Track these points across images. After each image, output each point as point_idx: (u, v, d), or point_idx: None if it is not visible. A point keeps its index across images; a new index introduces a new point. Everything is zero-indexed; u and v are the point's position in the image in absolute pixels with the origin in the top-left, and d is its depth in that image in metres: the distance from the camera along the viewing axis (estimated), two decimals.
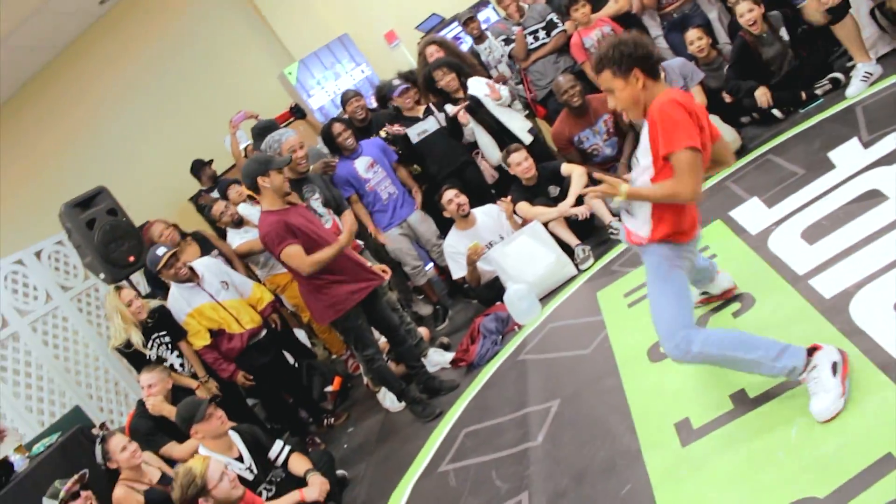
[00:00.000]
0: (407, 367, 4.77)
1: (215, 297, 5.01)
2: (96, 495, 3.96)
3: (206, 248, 5.94)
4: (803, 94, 5.23)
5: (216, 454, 3.89)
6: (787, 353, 2.54)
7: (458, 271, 5.54)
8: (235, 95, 8.63)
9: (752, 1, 5.22)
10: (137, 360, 5.05)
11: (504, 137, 5.83)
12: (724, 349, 2.61)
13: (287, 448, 4.24)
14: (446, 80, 5.80)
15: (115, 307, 5.01)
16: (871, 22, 5.07)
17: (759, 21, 5.22)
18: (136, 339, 4.95)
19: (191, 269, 5.04)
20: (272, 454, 4.19)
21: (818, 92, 5.21)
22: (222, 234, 6.30)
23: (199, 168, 7.74)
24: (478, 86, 5.86)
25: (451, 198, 5.45)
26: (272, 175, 4.20)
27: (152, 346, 5.00)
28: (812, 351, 2.53)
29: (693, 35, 5.63)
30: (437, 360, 5.03)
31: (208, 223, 7.56)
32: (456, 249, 5.50)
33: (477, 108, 5.76)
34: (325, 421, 5.47)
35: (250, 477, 4.01)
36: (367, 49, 9.17)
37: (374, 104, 6.84)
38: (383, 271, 4.69)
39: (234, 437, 4.13)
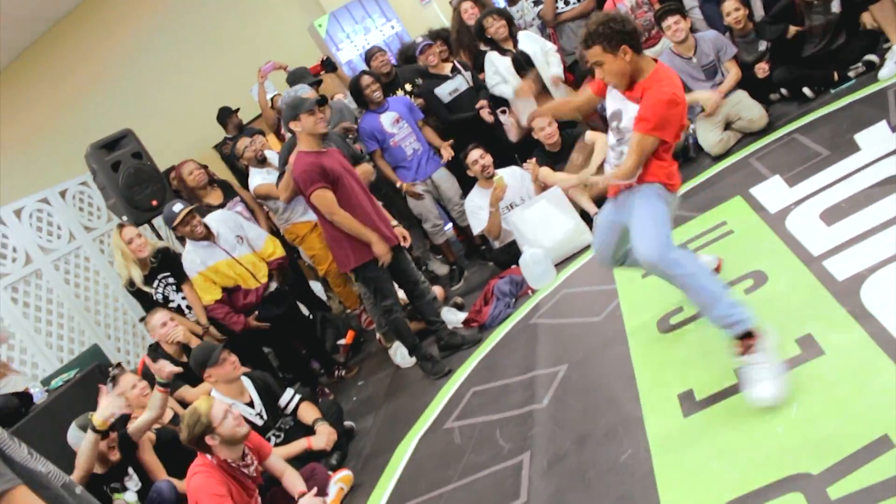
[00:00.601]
0: (426, 322, 4.83)
1: (231, 254, 5.02)
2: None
3: (228, 194, 6.00)
4: (836, 75, 5.16)
5: (228, 398, 4.00)
6: (742, 310, 2.70)
7: (479, 226, 5.55)
8: (264, 45, 8.65)
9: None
10: (144, 299, 5.16)
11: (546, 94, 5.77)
12: (698, 269, 2.79)
13: (297, 396, 4.34)
14: (496, 26, 5.74)
15: (116, 245, 5.14)
16: None
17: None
18: (136, 276, 5.06)
19: (206, 226, 5.02)
20: (282, 402, 4.29)
21: (851, 74, 5.13)
22: (243, 179, 6.35)
23: (225, 116, 7.77)
24: (529, 42, 5.81)
25: (477, 158, 5.46)
26: (303, 118, 4.24)
27: (158, 285, 5.09)
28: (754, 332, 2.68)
29: (730, 5, 5.52)
30: (450, 319, 5.08)
31: (231, 171, 7.62)
32: (478, 205, 5.52)
33: (524, 65, 5.71)
34: (337, 372, 5.56)
35: (260, 423, 4.11)
36: (398, 5, 9.11)
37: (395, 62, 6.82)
38: (403, 238, 4.71)
39: (247, 382, 4.22)
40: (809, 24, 5.18)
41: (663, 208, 2.99)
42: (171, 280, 5.15)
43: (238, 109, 7.84)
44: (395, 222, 4.80)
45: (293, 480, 3.70)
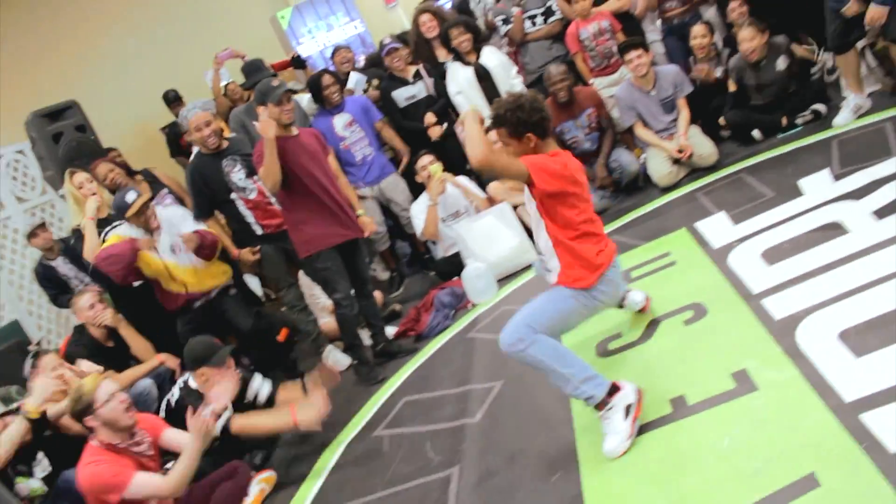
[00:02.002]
0: (368, 324, 4.75)
1: (161, 255, 4.62)
2: None
3: (155, 187, 5.82)
4: (784, 120, 5.30)
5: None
6: (592, 382, 2.82)
7: (419, 228, 5.53)
8: (223, 31, 8.53)
9: (756, 28, 5.23)
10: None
11: None
12: (547, 358, 2.82)
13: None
14: (461, 39, 5.73)
15: (68, 191, 4.99)
16: (862, 60, 5.15)
17: (759, 50, 5.26)
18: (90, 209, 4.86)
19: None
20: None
21: (798, 121, 5.28)
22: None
23: (172, 100, 7.58)
24: (491, 56, 5.82)
25: (426, 164, 5.44)
26: (270, 106, 4.19)
27: (110, 230, 4.91)
28: (614, 390, 2.81)
29: (698, 31, 5.64)
30: (337, 358, 5.03)
31: (173, 155, 7.42)
32: (422, 209, 5.49)
33: (484, 77, 5.72)
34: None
35: None
36: (363, 5, 9.09)
37: (360, 63, 6.77)
38: (364, 226, 4.63)
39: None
40: (757, 82, 5.35)
41: (560, 307, 2.95)
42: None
43: (181, 97, 7.62)
44: (361, 211, 4.72)
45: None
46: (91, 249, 4.83)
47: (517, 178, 2.87)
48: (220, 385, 3.72)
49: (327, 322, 5.13)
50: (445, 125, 5.87)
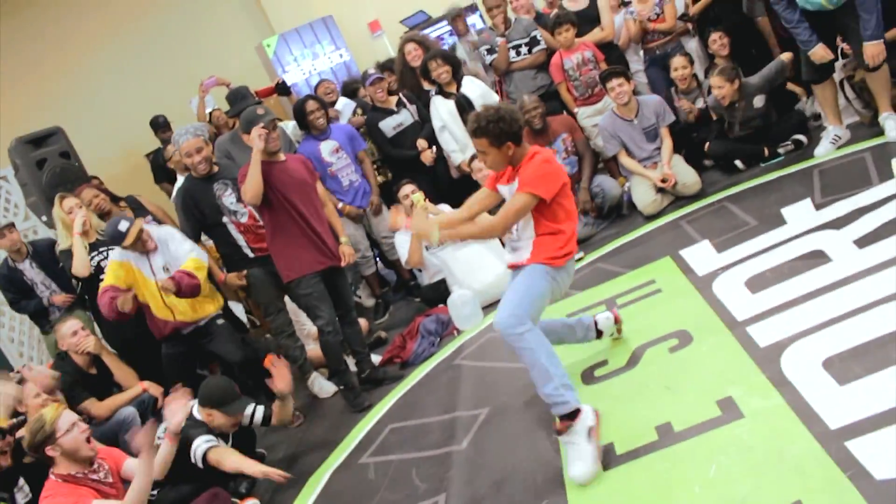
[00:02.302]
0: (352, 351, 4.74)
1: (155, 276, 4.54)
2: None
3: (139, 213, 5.79)
4: (766, 150, 5.37)
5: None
6: (571, 391, 2.96)
7: (401, 256, 5.51)
8: (209, 59, 8.55)
9: (725, 78, 5.31)
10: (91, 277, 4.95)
11: None
12: (540, 348, 2.99)
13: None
14: (440, 71, 5.79)
15: (57, 215, 4.95)
16: (840, 92, 5.24)
17: (730, 96, 5.34)
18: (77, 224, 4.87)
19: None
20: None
21: (780, 150, 5.36)
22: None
23: (160, 125, 7.58)
24: (471, 86, 5.87)
25: (408, 193, 5.46)
26: (254, 133, 4.20)
27: (96, 255, 4.87)
28: (575, 413, 2.91)
29: (679, 62, 5.76)
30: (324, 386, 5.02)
31: (158, 183, 7.39)
32: (405, 238, 5.47)
33: (466, 108, 5.78)
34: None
35: None
36: (349, 34, 9.15)
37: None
38: (343, 254, 4.63)
39: None
40: (735, 120, 5.43)
41: (541, 285, 3.15)
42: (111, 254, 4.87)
43: (168, 123, 7.61)
44: (344, 239, 4.72)
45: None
46: (81, 265, 4.82)
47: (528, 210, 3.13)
48: (175, 403, 3.68)
49: (313, 349, 5.10)
50: (435, 149, 5.90)
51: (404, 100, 6.02)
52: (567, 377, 2.99)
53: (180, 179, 5.78)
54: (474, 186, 5.63)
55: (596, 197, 5.73)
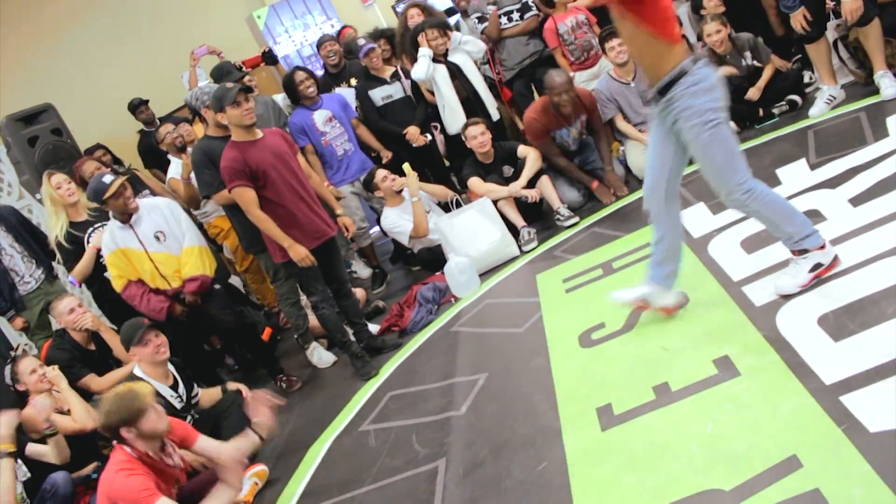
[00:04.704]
0: (349, 322, 4.73)
1: (144, 246, 4.56)
2: None
3: (137, 187, 5.77)
4: (761, 111, 5.35)
5: (151, 379, 3.86)
6: (810, 238, 3.02)
7: (406, 234, 5.44)
8: (199, 32, 8.41)
9: (720, 21, 5.29)
10: (68, 257, 4.92)
11: (475, 108, 5.81)
12: (768, 213, 3.03)
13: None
14: (438, 43, 5.73)
15: (45, 192, 4.88)
16: (834, 53, 5.21)
17: (725, 42, 5.31)
18: (63, 221, 4.82)
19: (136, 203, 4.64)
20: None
21: (775, 111, 5.33)
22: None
23: (135, 107, 7.46)
24: (457, 55, 5.83)
25: (385, 175, 5.45)
26: (228, 110, 4.16)
27: (92, 232, 4.86)
28: (822, 246, 3.03)
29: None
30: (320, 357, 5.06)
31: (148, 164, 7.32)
32: (394, 222, 5.47)
33: (457, 74, 5.74)
34: (279, 383, 5.00)
35: (179, 405, 3.98)
36: (340, 4, 9.06)
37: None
38: (345, 227, 4.68)
39: (170, 366, 4.10)
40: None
41: (716, 134, 2.95)
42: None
43: (146, 102, 7.53)
44: (340, 211, 4.71)
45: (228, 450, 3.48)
46: (80, 271, 4.84)
47: None
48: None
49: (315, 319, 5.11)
50: (429, 137, 5.89)
51: (400, 72, 5.97)
52: (806, 224, 3.04)
53: (174, 162, 5.77)
54: (467, 155, 5.62)
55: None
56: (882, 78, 4.69)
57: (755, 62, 5.42)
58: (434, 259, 5.36)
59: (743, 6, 5.78)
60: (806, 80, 5.57)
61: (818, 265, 3.04)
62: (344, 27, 7.37)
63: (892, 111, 4.43)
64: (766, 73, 5.41)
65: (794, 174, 4.26)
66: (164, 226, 4.62)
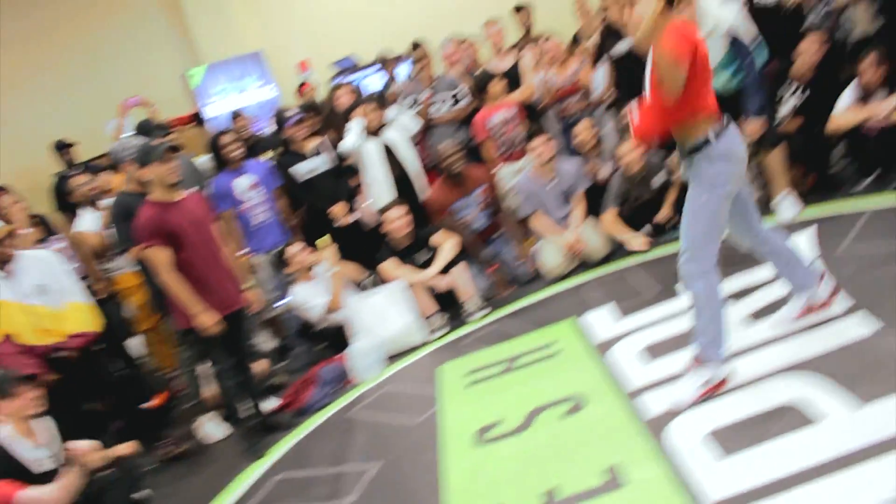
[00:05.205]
0: (247, 397, 4.53)
1: (21, 298, 4.29)
2: None
3: (49, 232, 5.56)
4: (674, 219, 5.46)
5: (16, 434, 3.59)
6: (718, 352, 3.10)
7: (319, 310, 5.32)
8: (131, 83, 8.31)
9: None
10: None
11: (403, 189, 5.81)
12: (712, 306, 3.08)
13: None
14: (372, 116, 5.76)
15: None
16: None
17: (637, 162, 5.41)
18: None
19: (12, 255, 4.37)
20: None
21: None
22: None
23: (60, 148, 7.27)
24: (391, 132, 5.86)
25: (301, 248, 5.40)
26: (154, 166, 4.08)
27: None
28: (722, 362, 3.11)
29: (580, 128, 5.74)
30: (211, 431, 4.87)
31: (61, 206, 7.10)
32: (306, 301, 5.36)
33: (389, 152, 5.77)
34: (163, 450, 4.78)
35: (53, 465, 3.68)
36: (278, 71, 9.09)
37: (265, 127, 6.73)
38: (251, 301, 4.55)
39: (47, 423, 3.81)
40: (637, 195, 5.47)
41: (709, 206, 3.06)
42: None
43: (72, 145, 7.34)
44: (250, 283, 4.60)
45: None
46: None
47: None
48: None
49: (211, 389, 4.91)
50: (352, 217, 5.85)
51: (327, 143, 5.95)
52: (725, 338, 3.11)
53: (83, 215, 5.58)
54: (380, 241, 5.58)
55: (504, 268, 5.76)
56: (782, 200, 4.88)
57: (669, 177, 5.55)
58: (339, 339, 5.24)
59: None
60: None
61: (712, 380, 3.09)
62: (304, 84, 7.39)
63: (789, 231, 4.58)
64: (672, 194, 5.48)
65: None
66: (48, 278, 4.41)
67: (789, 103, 5.15)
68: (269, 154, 6.09)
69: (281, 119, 6.12)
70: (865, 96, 4.85)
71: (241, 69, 8.94)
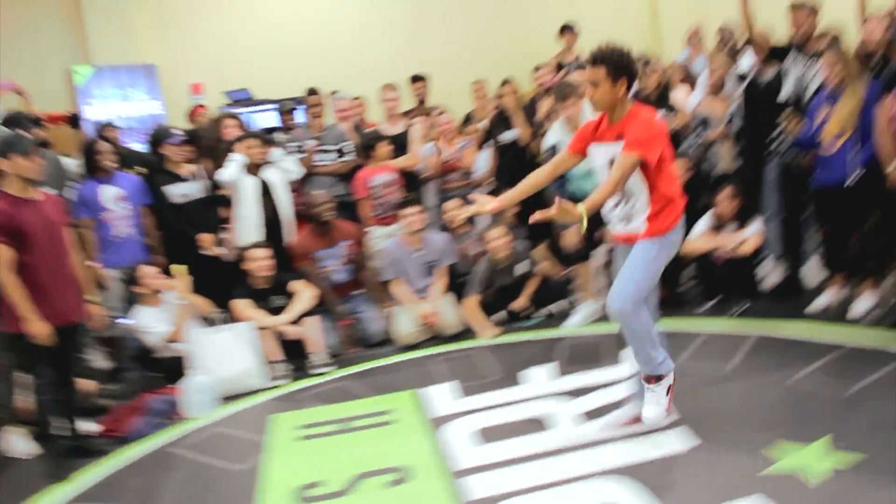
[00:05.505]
0: (65, 414, 4.26)
1: None
2: None
3: None
4: (527, 309, 5.67)
5: None
6: (665, 363, 3.36)
7: (159, 336, 5.14)
8: (9, 66, 7.87)
9: (504, 230, 5.62)
10: None
11: (273, 230, 5.75)
12: (643, 334, 3.27)
13: None
14: (255, 150, 5.71)
15: None
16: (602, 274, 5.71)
17: (504, 249, 5.61)
18: None
19: None
20: None
21: (540, 313, 5.69)
22: None
23: None
24: (272, 172, 5.83)
25: (154, 272, 5.25)
26: (14, 158, 3.88)
27: None
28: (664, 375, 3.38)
29: (451, 205, 5.87)
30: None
31: None
32: (149, 326, 5.16)
33: (266, 192, 5.72)
34: None
35: None
36: (168, 89, 8.87)
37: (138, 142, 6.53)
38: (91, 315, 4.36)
39: None
40: (500, 284, 5.67)
41: (657, 263, 3.27)
42: None
43: None
44: (93, 297, 4.40)
45: None
46: None
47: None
48: None
49: (27, 400, 4.59)
50: (218, 249, 5.74)
51: (203, 172, 5.84)
52: (663, 353, 3.36)
53: None
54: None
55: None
56: (581, 308, 5.24)
57: (531, 267, 5.76)
58: (177, 370, 5.05)
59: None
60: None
61: (671, 387, 3.41)
62: (199, 107, 7.22)
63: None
64: (533, 284, 5.73)
65: (542, 377, 4.51)
66: None
67: None
68: (139, 170, 5.89)
69: (160, 136, 5.95)
70: (718, 226, 5.28)
71: (131, 78, 8.68)
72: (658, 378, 3.37)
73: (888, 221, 4.73)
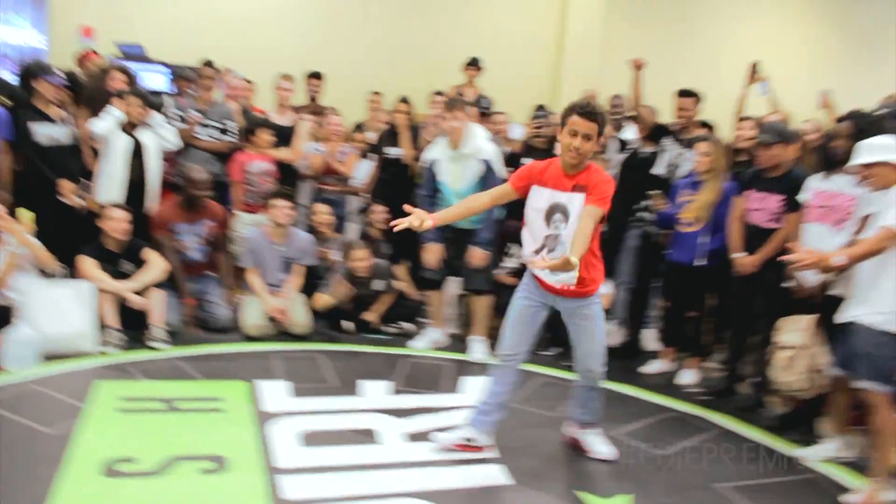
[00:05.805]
0: None
1: None
2: None
3: None
4: (375, 323, 5.74)
5: None
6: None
7: None
8: None
9: (366, 250, 5.71)
10: None
11: (134, 194, 5.55)
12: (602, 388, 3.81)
13: None
14: (135, 108, 5.51)
15: None
16: (456, 303, 5.86)
17: (364, 270, 5.69)
18: None
19: None
20: None
21: (389, 328, 5.78)
22: None
23: None
24: (147, 135, 5.63)
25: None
26: None
27: None
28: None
29: (321, 208, 5.99)
30: None
31: None
32: None
33: (137, 153, 5.58)
34: None
35: None
36: (55, 23, 8.41)
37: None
38: None
39: None
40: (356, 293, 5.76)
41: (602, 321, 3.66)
42: None
43: None
44: None
45: None
46: None
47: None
48: None
49: None
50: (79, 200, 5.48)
51: (70, 118, 5.56)
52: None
53: None
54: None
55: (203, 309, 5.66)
56: (475, 342, 5.37)
57: (389, 286, 5.84)
58: (2, 318, 4.76)
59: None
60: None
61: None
62: (93, 52, 6.85)
63: (472, 371, 5.00)
64: (387, 300, 5.82)
65: (377, 392, 4.57)
66: None
67: (513, 261, 5.70)
68: (3, 100, 5.53)
69: (36, 71, 5.61)
70: None
71: (17, 4, 8.18)
72: (591, 425, 3.88)
73: (722, 308, 5.15)
